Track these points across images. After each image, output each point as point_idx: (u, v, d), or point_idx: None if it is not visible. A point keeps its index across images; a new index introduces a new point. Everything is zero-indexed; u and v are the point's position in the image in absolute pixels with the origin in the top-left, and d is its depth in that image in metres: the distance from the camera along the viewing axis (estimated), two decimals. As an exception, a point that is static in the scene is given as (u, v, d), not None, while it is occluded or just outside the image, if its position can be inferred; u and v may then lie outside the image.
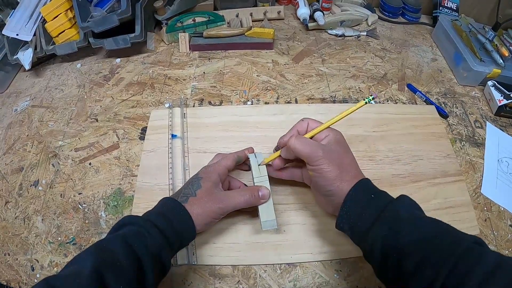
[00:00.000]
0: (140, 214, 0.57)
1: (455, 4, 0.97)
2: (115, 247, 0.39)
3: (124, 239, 0.40)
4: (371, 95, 0.51)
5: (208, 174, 0.51)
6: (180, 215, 0.46)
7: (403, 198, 0.43)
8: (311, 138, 0.51)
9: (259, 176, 0.54)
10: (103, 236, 0.55)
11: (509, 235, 0.57)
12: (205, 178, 0.50)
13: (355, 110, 0.51)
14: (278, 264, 0.52)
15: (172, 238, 0.44)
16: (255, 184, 0.53)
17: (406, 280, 0.37)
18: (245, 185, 0.57)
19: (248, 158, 0.57)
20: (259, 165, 0.55)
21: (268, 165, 0.55)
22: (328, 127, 0.51)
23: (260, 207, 0.50)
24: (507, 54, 0.80)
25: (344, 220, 0.44)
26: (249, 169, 0.57)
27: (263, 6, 0.98)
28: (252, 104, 0.74)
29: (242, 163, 0.59)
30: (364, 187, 0.44)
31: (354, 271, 0.52)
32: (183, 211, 0.46)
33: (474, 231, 0.56)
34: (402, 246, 0.38)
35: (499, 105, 0.73)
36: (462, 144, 0.68)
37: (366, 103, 0.51)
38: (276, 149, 0.56)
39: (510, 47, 0.82)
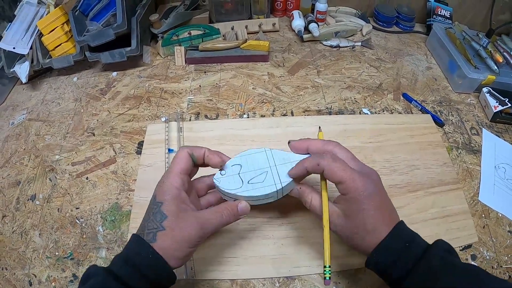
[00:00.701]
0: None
1: (448, 12, 0.98)
2: None
3: None
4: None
5: (166, 195, 0.41)
6: (149, 259, 0.38)
7: (438, 244, 0.40)
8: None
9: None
10: (101, 251, 0.56)
11: (508, 241, 0.57)
12: (165, 202, 0.41)
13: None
14: (276, 277, 0.52)
15: (141, 286, 0.37)
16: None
17: None
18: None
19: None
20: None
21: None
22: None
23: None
24: (501, 60, 0.80)
25: (373, 264, 0.41)
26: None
27: (258, 18, 0.99)
28: (248, 117, 0.74)
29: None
30: (397, 234, 0.40)
31: (353, 283, 0.52)
32: (152, 253, 0.38)
33: (472, 238, 0.56)
34: None
35: (494, 111, 0.73)
36: (459, 151, 0.68)
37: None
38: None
39: (504, 53, 0.83)
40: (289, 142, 0.49)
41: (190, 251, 0.41)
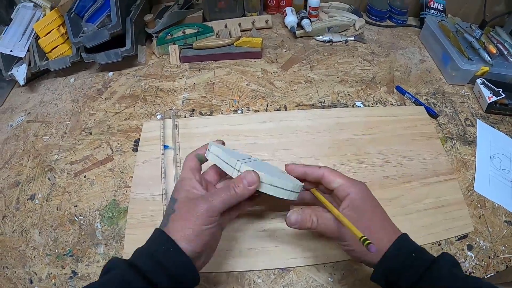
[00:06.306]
0: (136, 224, 0.57)
1: (441, 5, 0.99)
2: None
3: None
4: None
5: (178, 186, 0.44)
6: (163, 244, 0.38)
7: (445, 257, 0.40)
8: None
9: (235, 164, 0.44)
10: (99, 247, 0.56)
11: (505, 231, 0.57)
12: (176, 190, 0.44)
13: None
14: (271, 269, 0.53)
15: (163, 282, 0.36)
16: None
17: None
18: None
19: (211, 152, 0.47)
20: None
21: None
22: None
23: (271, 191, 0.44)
24: (494, 52, 0.81)
25: (380, 275, 0.41)
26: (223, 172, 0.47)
27: (251, 15, 1.00)
28: (242, 112, 0.75)
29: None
30: (404, 243, 0.42)
31: (348, 273, 0.52)
32: (167, 238, 0.38)
33: (468, 228, 0.57)
34: None
35: (488, 102, 0.73)
36: (453, 142, 0.69)
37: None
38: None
39: (498, 44, 0.83)
40: (286, 166, 0.50)
41: (200, 230, 0.40)
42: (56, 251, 0.57)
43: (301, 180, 0.48)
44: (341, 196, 0.44)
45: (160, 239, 0.39)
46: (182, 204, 0.41)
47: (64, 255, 0.56)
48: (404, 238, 0.42)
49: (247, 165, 0.43)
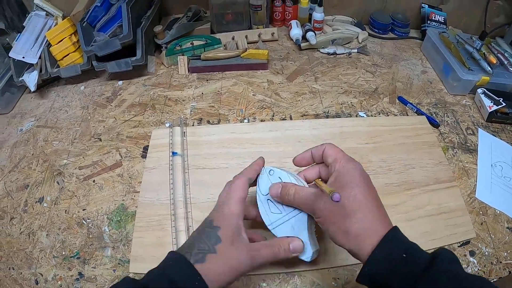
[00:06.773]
0: (144, 228, 0.58)
1: (442, 17, 1.01)
2: None
3: None
4: None
5: (225, 221, 0.41)
6: (191, 279, 0.36)
7: (442, 254, 0.36)
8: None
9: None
10: (107, 250, 0.57)
11: (507, 237, 0.57)
12: (223, 227, 0.41)
13: None
14: (276, 273, 0.53)
15: None
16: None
17: None
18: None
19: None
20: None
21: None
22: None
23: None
24: (495, 62, 0.82)
25: (367, 280, 0.37)
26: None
27: (258, 28, 1.02)
28: (248, 122, 0.76)
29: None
30: (392, 243, 0.37)
31: (352, 278, 0.52)
32: (195, 275, 0.36)
33: (470, 234, 0.57)
34: None
35: (489, 111, 0.75)
36: (455, 151, 0.70)
37: None
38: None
39: (498, 55, 0.85)
40: (293, 160, 0.50)
41: (234, 279, 0.40)
42: (63, 253, 0.57)
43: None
44: (331, 171, 0.43)
45: (188, 273, 0.37)
46: (226, 248, 0.40)
47: (71, 257, 0.57)
48: (391, 237, 0.37)
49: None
